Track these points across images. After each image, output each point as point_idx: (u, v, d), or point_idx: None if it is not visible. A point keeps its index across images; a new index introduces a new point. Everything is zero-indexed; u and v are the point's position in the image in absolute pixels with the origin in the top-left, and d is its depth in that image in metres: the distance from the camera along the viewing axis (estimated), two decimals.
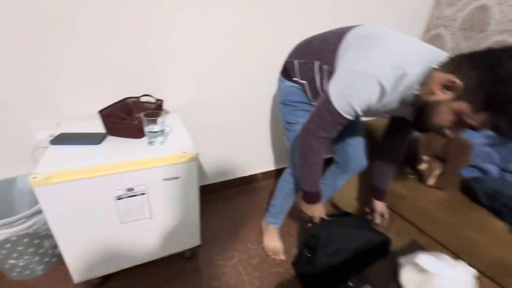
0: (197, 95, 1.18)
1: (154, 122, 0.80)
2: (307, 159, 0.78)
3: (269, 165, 1.65)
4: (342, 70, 0.66)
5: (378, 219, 0.99)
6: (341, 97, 0.64)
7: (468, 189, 1.01)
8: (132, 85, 1.03)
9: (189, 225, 0.98)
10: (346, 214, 0.96)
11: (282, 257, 1.15)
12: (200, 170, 1.38)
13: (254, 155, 1.54)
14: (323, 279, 0.78)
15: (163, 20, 0.97)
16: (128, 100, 0.99)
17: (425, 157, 1.09)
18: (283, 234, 1.23)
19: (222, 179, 1.50)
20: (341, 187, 1.13)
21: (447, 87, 0.55)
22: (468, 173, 1.14)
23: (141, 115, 0.80)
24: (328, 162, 1.03)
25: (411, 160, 1.13)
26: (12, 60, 0.83)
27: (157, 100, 1.00)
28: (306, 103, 0.87)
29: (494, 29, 1.32)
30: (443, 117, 0.57)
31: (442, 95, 0.56)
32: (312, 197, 0.86)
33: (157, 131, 0.81)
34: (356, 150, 1.00)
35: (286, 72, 0.88)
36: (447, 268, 0.53)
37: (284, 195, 1.10)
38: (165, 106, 1.09)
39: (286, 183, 1.08)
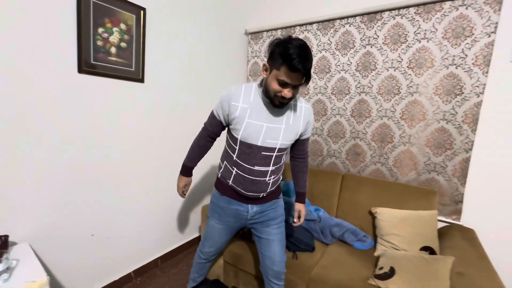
0: (48, 218, 1.29)
1: None
2: (193, 142, 1.23)
3: (140, 261, 1.77)
4: None
5: (296, 219, 1.26)
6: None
7: None
8: None
9: None
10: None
11: None
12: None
13: (122, 255, 1.65)
14: None
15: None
16: None
17: None
18: None
19: None
20: None
21: (265, 69, 0.98)
22: None
23: None
24: None
25: None
26: None
27: (2, 236, 1.07)
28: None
29: None
30: (273, 85, 0.93)
31: (265, 75, 0.98)
32: (185, 170, 1.26)
33: (1, 270, 0.90)
34: (269, 257, 1.19)
35: None
36: None
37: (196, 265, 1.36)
38: (13, 237, 1.14)
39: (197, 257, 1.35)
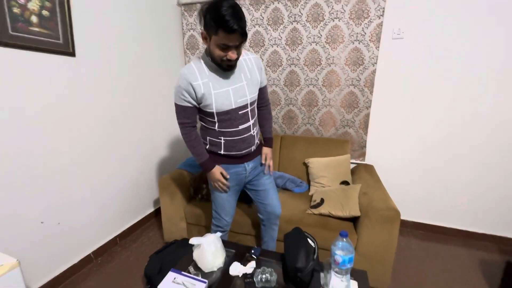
0: None
1: None
2: (186, 142, 1.18)
3: (98, 242, 1.77)
4: None
5: (263, 160, 1.32)
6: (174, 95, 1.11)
7: None
8: None
9: None
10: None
11: None
12: None
13: (78, 239, 1.62)
14: None
15: None
16: None
17: (204, 185, 1.79)
18: None
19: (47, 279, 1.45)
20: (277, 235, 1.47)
21: (204, 38, 1.01)
22: None
23: None
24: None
25: (198, 190, 1.80)
26: None
27: None
28: None
29: None
30: (216, 52, 0.98)
31: (206, 43, 1.02)
32: (206, 165, 1.19)
33: None
34: (270, 205, 1.35)
35: None
36: (204, 239, 1.12)
37: None
38: None
39: None
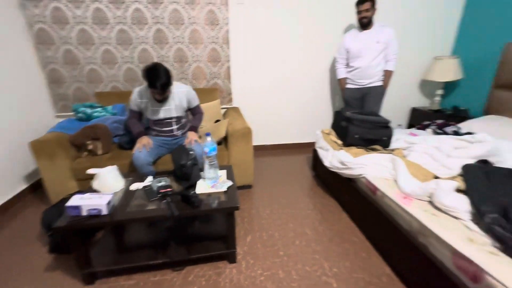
0: None
1: None
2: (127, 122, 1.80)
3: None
4: None
5: (187, 140, 1.75)
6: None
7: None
8: None
9: None
10: None
11: None
12: None
13: None
14: None
15: None
16: None
17: (88, 142, 1.85)
18: None
19: None
20: None
21: None
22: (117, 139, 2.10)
23: None
24: None
25: (84, 148, 1.85)
26: None
27: None
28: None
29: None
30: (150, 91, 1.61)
31: None
32: (136, 135, 1.76)
33: None
34: None
35: None
36: (102, 169, 1.34)
37: None
38: None
39: None
